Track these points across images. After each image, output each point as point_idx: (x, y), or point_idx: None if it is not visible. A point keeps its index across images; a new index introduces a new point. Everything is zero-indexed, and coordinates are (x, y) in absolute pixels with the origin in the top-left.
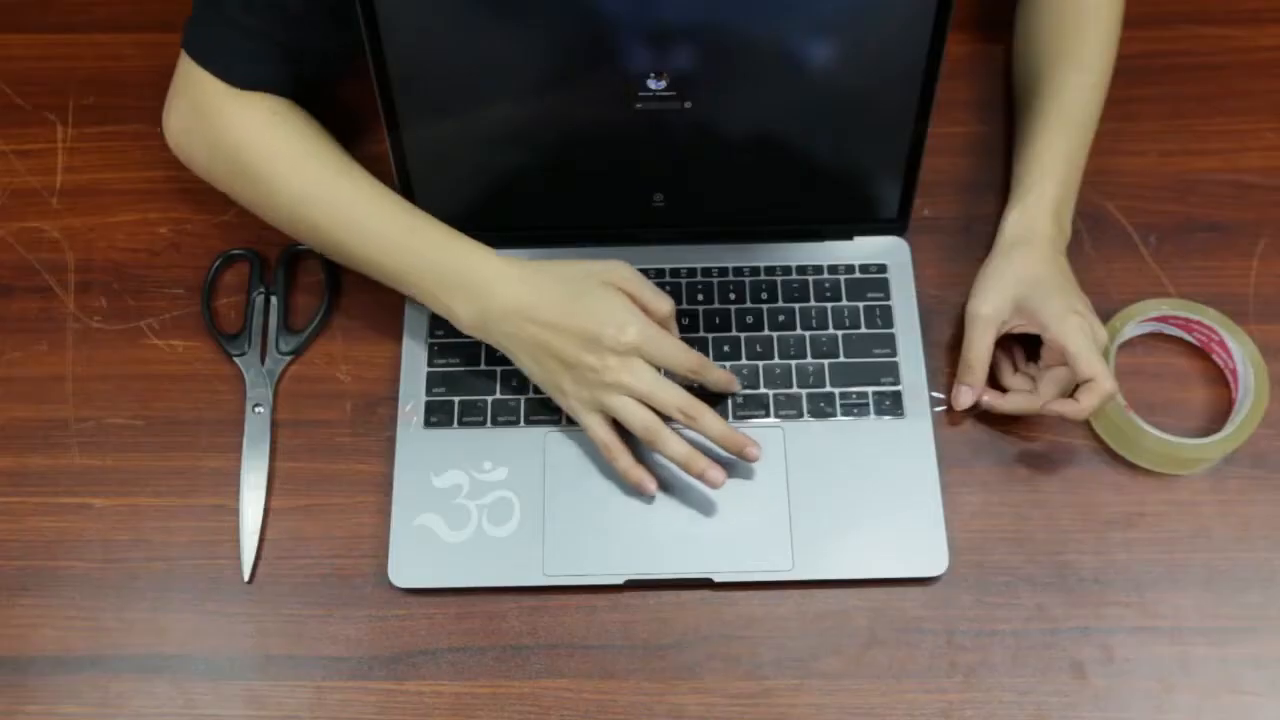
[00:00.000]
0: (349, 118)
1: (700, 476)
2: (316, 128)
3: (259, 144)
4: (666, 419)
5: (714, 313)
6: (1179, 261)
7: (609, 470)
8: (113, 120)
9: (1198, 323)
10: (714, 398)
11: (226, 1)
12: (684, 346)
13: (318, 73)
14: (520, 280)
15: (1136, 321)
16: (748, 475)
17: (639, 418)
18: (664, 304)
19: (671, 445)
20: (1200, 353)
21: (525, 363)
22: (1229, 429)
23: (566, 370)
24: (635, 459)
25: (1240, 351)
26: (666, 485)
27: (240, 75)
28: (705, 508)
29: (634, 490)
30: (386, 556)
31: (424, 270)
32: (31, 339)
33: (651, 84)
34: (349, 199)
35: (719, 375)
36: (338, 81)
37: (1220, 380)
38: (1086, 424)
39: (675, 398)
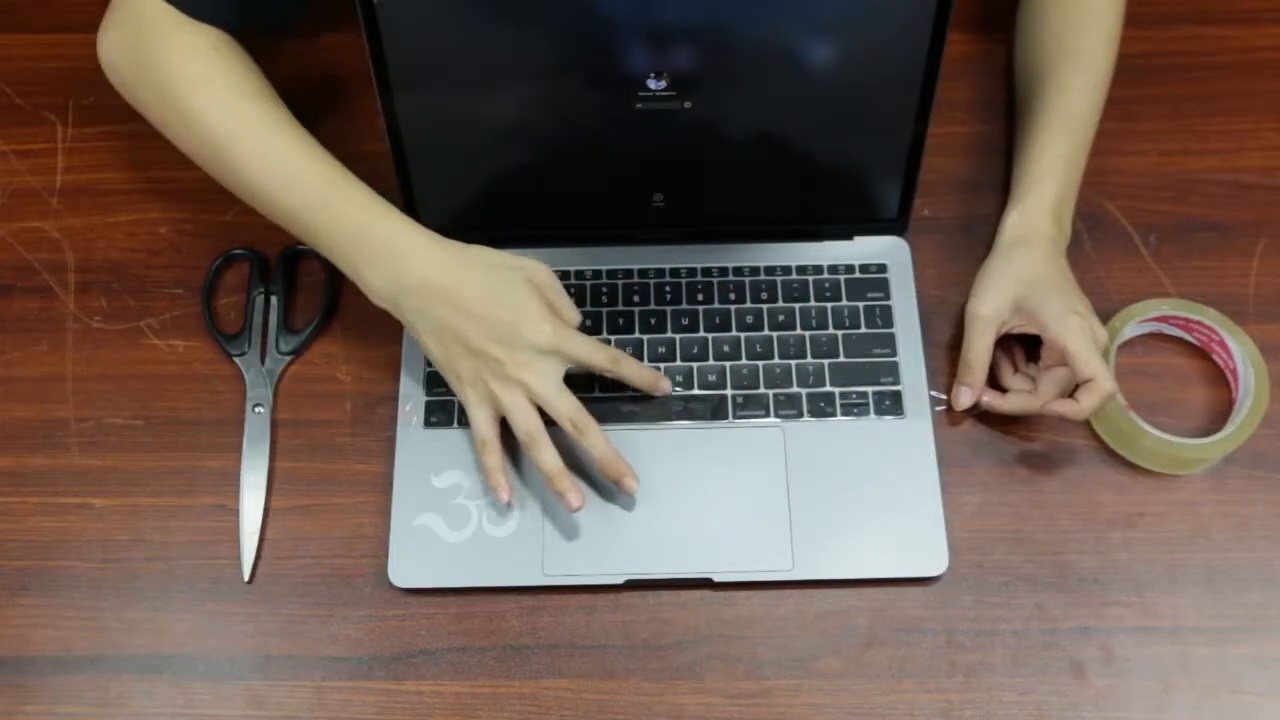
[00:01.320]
0: (348, 116)
1: (560, 496)
2: (256, 70)
3: (193, 74)
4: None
5: (714, 313)
6: (1179, 261)
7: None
8: (113, 120)
9: (1198, 323)
10: (710, 404)
11: None
12: (599, 343)
13: (272, 15)
14: (444, 261)
15: (1137, 321)
16: (748, 475)
17: (526, 420)
18: (575, 315)
19: (546, 455)
20: (1200, 353)
21: (427, 341)
22: (1229, 429)
23: (470, 357)
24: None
25: (1241, 352)
26: (666, 486)
27: (190, 3)
28: (705, 508)
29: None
30: (386, 556)
31: (343, 230)
32: (31, 339)
33: (651, 84)
34: (275, 146)
35: (640, 372)
36: (338, 78)
37: (1220, 380)
38: (1086, 424)
39: (569, 407)
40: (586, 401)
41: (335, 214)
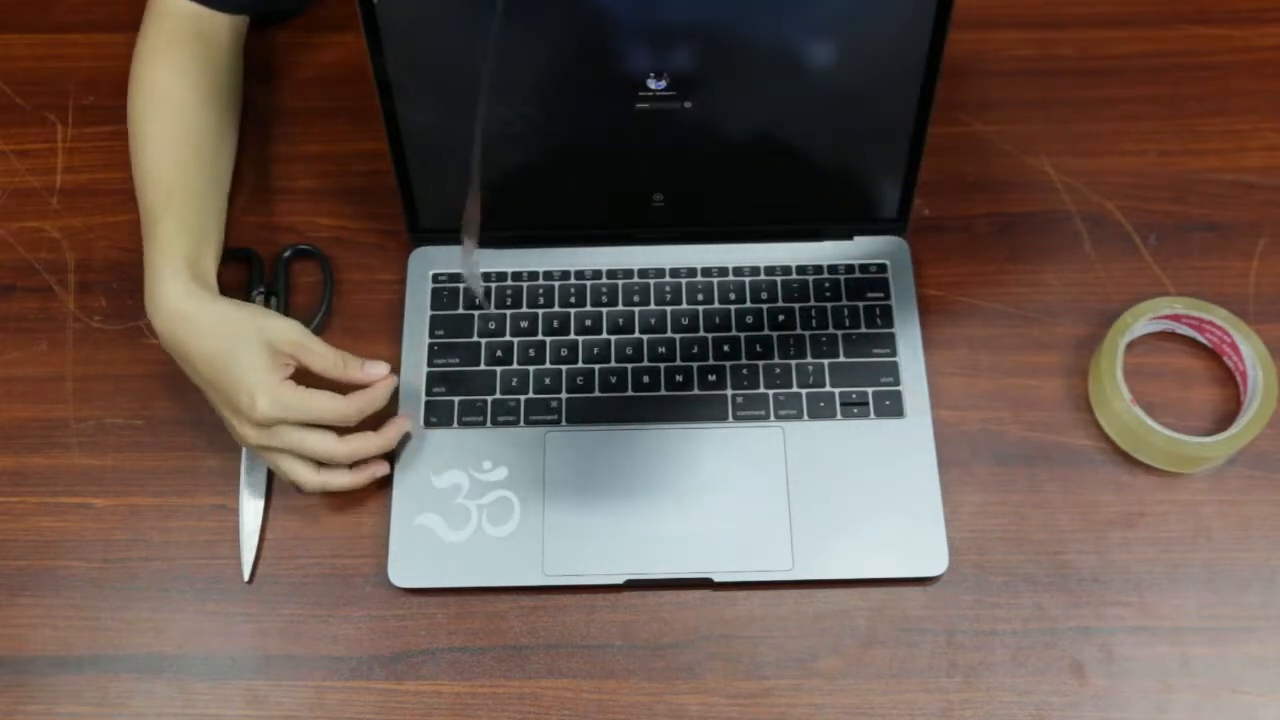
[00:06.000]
0: (348, 116)
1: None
2: (214, 64)
3: (145, 70)
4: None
5: (714, 313)
6: (1179, 261)
7: (609, 470)
8: (113, 120)
9: (1210, 323)
10: (710, 405)
11: None
12: (330, 397)
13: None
14: (181, 320)
15: (1148, 319)
16: (748, 475)
17: (304, 478)
18: (336, 365)
19: (340, 481)
20: (1207, 352)
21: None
22: (1236, 428)
23: (224, 413)
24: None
25: (1251, 354)
26: (666, 486)
27: None
28: (705, 508)
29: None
30: (386, 556)
31: (147, 246)
32: (31, 339)
33: (652, 84)
34: (155, 133)
35: (379, 417)
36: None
37: (1225, 380)
38: (1093, 422)
39: (324, 447)
40: (586, 401)
41: (147, 223)
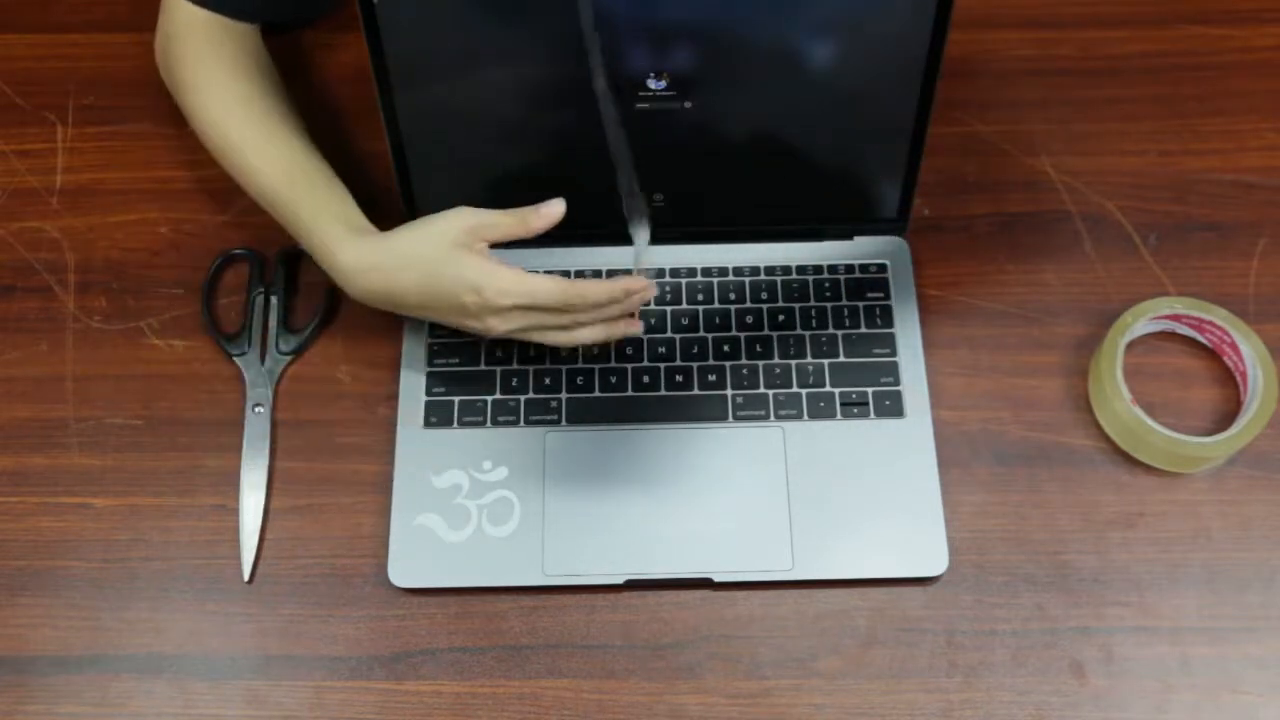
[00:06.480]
0: (348, 116)
1: (625, 336)
2: (257, 60)
3: (192, 70)
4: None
5: (714, 313)
6: (1179, 261)
7: (609, 470)
8: (113, 120)
9: (1210, 323)
10: (710, 405)
11: None
12: (546, 281)
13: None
14: (373, 270)
15: (1148, 318)
16: (748, 475)
17: (548, 338)
18: (517, 226)
19: (584, 335)
20: (1207, 352)
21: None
22: (1236, 428)
23: (459, 321)
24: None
25: (1251, 354)
26: (666, 486)
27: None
28: (705, 508)
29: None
30: (386, 556)
31: (295, 230)
32: (31, 339)
33: (652, 84)
34: (247, 138)
35: (604, 290)
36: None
37: (1225, 380)
38: (1093, 422)
39: (556, 313)
40: (586, 401)
41: (287, 214)
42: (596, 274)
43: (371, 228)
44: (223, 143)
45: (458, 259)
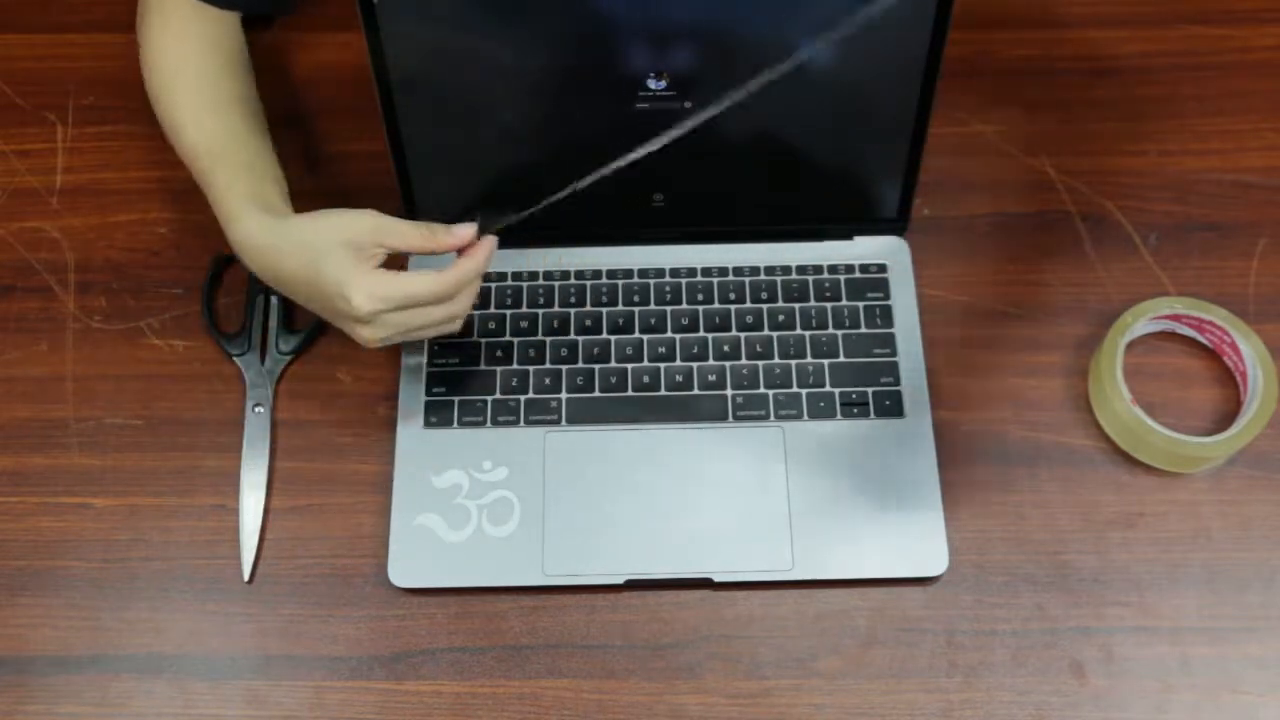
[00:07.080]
0: (348, 116)
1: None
2: (228, 49)
3: (160, 56)
4: None
5: (714, 313)
6: (1179, 261)
7: (609, 470)
8: (113, 120)
9: (1210, 323)
10: (710, 405)
11: None
12: (425, 276)
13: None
14: (265, 248)
15: (1148, 318)
16: (748, 475)
17: (442, 331)
18: (423, 238)
19: (460, 311)
20: (1207, 352)
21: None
22: (1236, 428)
23: (342, 326)
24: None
25: (1251, 354)
26: (666, 486)
27: None
28: (705, 508)
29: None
30: (386, 556)
31: (212, 204)
32: (31, 339)
33: (651, 84)
34: (188, 100)
35: (478, 262)
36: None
37: (1225, 380)
38: (1093, 422)
39: (430, 317)
40: (586, 401)
41: (203, 183)
42: (596, 274)
43: (284, 211)
44: (168, 102)
45: (338, 257)
